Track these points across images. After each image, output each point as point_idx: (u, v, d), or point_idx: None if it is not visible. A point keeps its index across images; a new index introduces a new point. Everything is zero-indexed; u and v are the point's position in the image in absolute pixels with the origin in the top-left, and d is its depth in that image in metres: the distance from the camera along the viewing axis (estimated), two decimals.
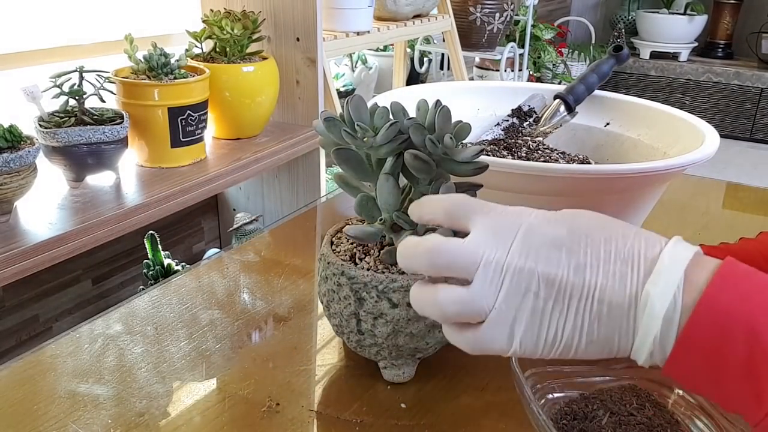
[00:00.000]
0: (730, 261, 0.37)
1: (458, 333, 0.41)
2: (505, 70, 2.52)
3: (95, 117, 1.10)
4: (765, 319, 0.34)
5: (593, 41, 3.56)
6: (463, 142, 0.55)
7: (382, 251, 0.53)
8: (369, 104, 0.50)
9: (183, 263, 1.31)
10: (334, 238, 0.57)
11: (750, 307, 0.35)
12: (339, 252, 0.55)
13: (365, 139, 0.48)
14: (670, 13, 4.07)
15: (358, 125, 0.48)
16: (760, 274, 0.37)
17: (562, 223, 0.40)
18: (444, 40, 2.11)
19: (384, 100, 0.86)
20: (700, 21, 4.00)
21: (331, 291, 0.54)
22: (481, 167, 0.49)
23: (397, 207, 0.50)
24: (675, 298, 0.36)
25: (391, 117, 0.49)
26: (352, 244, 0.55)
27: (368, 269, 0.52)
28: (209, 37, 1.34)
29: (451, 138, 0.47)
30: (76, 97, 1.08)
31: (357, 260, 0.53)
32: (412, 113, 0.50)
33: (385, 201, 0.49)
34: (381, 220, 0.50)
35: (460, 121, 0.49)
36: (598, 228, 0.39)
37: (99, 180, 1.14)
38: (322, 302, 0.57)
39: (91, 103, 1.11)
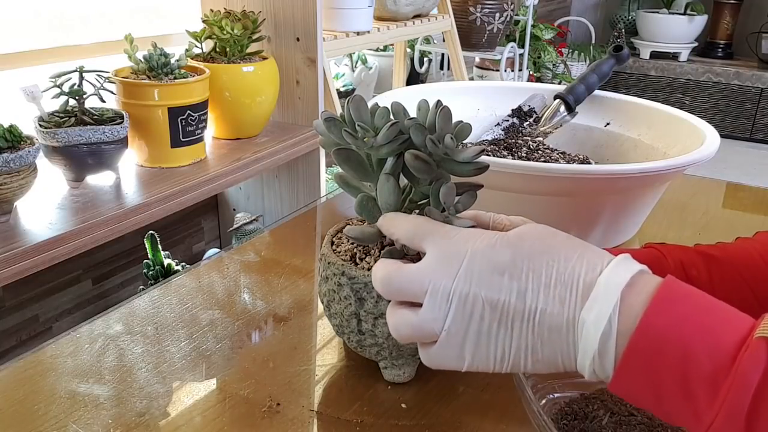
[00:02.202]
0: (668, 283, 0.38)
1: (419, 349, 0.44)
2: (505, 70, 2.52)
3: (95, 117, 1.10)
4: (698, 342, 0.36)
5: (593, 41, 3.56)
6: (464, 142, 0.55)
7: (382, 251, 0.53)
8: (369, 104, 0.50)
9: (183, 263, 1.31)
10: (334, 238, 0.57)
11: (684, 330, 0.36)
12: (339, 252, 0.55)
13: (366, 140, 0.48)
14: (670, 13, 4.07)
15: (359, 125, 0.48)
16: (696, 294, 0.38)
17: (507, 248, 0.41)
18: (444, 40, 2.11)
19: (384, 100, 0.86)
20: (700, 21, 4.00)
21: (331, 291, 0.54)
22: (481, 167, 0.49)
23: (397, 207, 0.50)
24: (610, 322, 0.37)
25: (391, 117, 0.49)
26: (352, 244, 0.55)
27: (369, 269, 0.52)
28: (209, 37, 1.34)
29: (451, 138, 0.47)
30: (76, 97, 1.08)
31: (357, 260, 0.53)
32: (412, 113, 0.50)
33: (385, 201, 0.49)
34: None
35: (461, 122, 0.49)
36: (541, 252, 0.41)
37: (99, 180, 1.14)
38: (322, 302, 0.57)
39: (91, 103, 1.11)
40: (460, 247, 0.42)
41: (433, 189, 0.49)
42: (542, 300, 0.40)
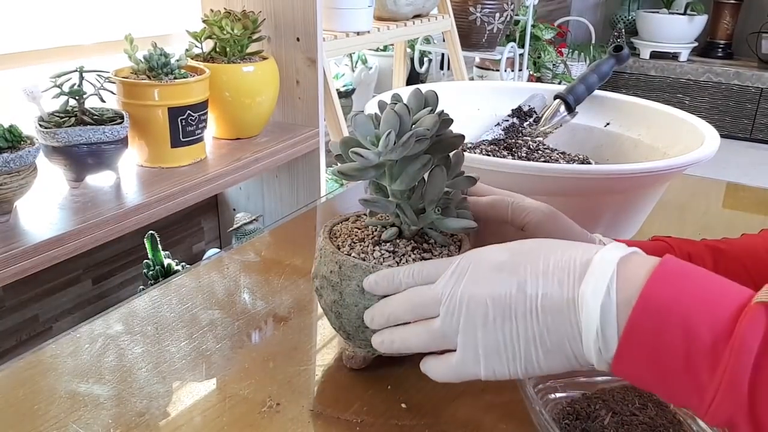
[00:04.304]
0: (667, 259, 0.39)
1: (437, 361, 0.46)
2: (505, 70, 2.52)
3: (95, 117, 1.10)
4: (698, 312, 0.36)
5: (593, 41, 3.56)
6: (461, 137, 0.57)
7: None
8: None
9: (183, 263, 1.31)
10: (332, 238, 0.56)
11: (686, 302, 0.36)
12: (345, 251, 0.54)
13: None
14: (670, 13, 4.07)
15: (427, 129, 0.49)
16: (696, 269, 0.38)
17: (507, 250, 0.44)
18: (444, 40, 2.11)
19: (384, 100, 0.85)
20: (700, 21, 4.00)
21: (352, 295, 0.51)
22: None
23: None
24: (609, 291, 0.38)
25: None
26: (353, 244, 0.54)
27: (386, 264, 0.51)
28: (209, 37, 1.34)
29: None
30: (76, 97, 1.08)
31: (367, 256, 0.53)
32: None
33: (439, 190, 0.51)
34: (438, 209, 0.52)
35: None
36: (539, 248, 0.43)
37: (99, 180, 1.14)
38: (332, 312, 0.54)
39: (91, 103, 1.11)
40: (467, 260, 0.45)
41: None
42: (541, 286, 0.40)
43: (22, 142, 0.96)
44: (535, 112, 0.98)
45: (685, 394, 0.36)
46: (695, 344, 0.35)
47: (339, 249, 0.53)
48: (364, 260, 0.52)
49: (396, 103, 0.49)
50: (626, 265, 0.39)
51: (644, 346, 0.37)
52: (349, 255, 0.52)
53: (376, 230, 0.55)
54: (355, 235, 0.55)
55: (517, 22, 2.80)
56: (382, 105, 0.51)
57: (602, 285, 0.38)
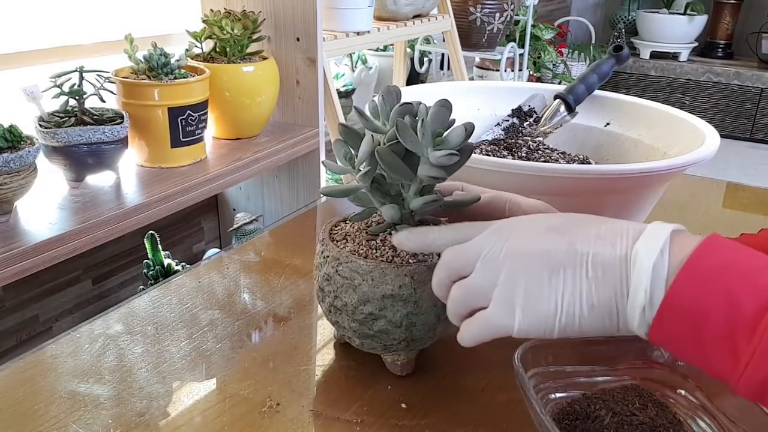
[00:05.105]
0: (715, 235, 0.40)
1: (467, 323, 0.45)
2: (505, 70, 2.52)
3: (95, 117, 1.10)
4: (743, 285, 0.37)
5: (593, 41, 3.56)
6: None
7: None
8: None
9: (183, 263, 1.31)
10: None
11: (731, 271, 0.37)
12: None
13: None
14: (670, 13, 4.07)
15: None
16: (743, 246, 0.40)
17: (557, 217, 0.46)
18: (444, 40, 2.11)
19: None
20: (700, 21, 4.00)
21: (430, 299, 0.52)
22: None
23: None
24: (662, 252, 0.39)
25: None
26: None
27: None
28: (209, 37, 1.34)
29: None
30: (76, 97, 1.08)
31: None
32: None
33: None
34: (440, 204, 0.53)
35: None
36: (590, 219, 0.44)
37: (99, 180, 1.14)
38: (404, 325, 0.53)
39: (91, 103, 1.11)
40: (510, 222, 0.46)
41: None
42: (593, 246, 0.41)
43: (22, 142, 0.96)
44: (535, 112, 0.98)
45: (720, 360, 0.37)
46: (737, 312, 0.36)
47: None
48: (424, 261, 0.53)
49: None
50: (678, 235, 0.40)
51: (686, 311, 0.38)
52: (410, 263, 0.52)
53: (382, 235, 0.55)
54: (374, 248, 0.54)
55: (517, 22, 2.80)
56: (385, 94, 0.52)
57: (657, 246, 0.39)
